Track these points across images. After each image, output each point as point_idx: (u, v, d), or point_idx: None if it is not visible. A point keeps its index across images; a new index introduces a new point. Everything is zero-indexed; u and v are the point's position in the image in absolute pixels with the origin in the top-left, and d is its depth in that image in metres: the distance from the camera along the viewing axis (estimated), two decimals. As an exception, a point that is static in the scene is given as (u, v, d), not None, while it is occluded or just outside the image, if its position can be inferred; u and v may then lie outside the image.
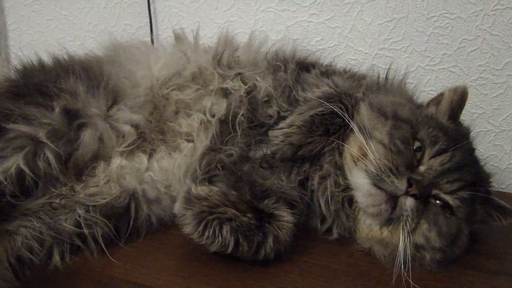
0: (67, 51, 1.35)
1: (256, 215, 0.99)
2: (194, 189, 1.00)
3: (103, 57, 1.35)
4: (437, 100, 1.20)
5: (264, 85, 1.21)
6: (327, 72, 1.28)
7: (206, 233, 0.95)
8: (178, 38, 1.44)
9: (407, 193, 1.00)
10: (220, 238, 0.95)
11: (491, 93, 1.58)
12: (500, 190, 1.59)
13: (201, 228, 0.95)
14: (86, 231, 1.04)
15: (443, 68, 1.60)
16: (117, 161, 1.15)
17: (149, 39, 1.85)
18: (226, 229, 0.95)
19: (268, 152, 1.13)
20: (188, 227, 0.97)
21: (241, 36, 1.45)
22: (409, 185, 0.99)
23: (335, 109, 1.10)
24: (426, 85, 1.62)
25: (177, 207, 0.99)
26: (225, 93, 1.23)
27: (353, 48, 1.68)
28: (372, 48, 1.66)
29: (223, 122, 1.21)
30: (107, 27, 1.97)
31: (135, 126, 1.19)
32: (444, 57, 1.59)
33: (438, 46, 1.59)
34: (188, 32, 1.45)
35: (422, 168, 1.04)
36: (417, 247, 1.03)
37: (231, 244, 0.95)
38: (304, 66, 1.31)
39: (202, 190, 1.00)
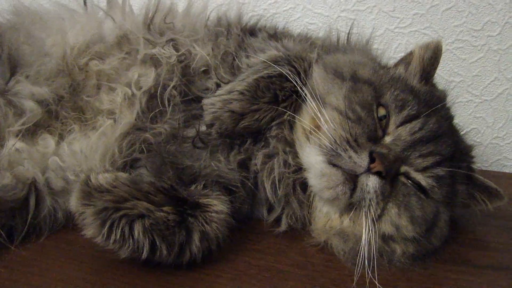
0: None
1: (176, 208, 0.86)
2: (93, 178, 0.85)
3: (2, 23, 1.20)
4: (406, 60, 1.10)
5: (201, 52, 1.10)
6: (276, 35, 1.20)
7: (113, 237, 0.82)
8: (110, 2, 1.31)
9: (369, 171, 0.88)
10: (131, 241, 0.82)
11: (470, 57, 1.54)
12: (483, 168, 1.53)
13: (105, 230, 0.82)
14: None
15: (415, 31, 1.54)
16: (10, 144, 1.00)
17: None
18: (137, 229, 0.82)
19: (203, 127, 1.01)
20: (89, 230, 0.83)
21: (183, 4, 1.34)
22: (372, 160, 0.88)
23: (284, 72, 0.99)
24: (396, 51, 1.54)
25: (73, 203, 0.85)
26: (155, 62, 1.11)
27: (311, 11, 1.59)
28: (333, 10, 1.57)
29: (151, 96, 1.09)
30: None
31: (40, 102, 1.05)
32: (416, 18, 1.53)
33: (408, 5, 1.52)
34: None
35: (387, 139, 0.94)
36: (384, 239, 0.93)
37: (146, 247, 0.83)
38: (250, 31, 1.21)
39: (104, 178, 0.86)
